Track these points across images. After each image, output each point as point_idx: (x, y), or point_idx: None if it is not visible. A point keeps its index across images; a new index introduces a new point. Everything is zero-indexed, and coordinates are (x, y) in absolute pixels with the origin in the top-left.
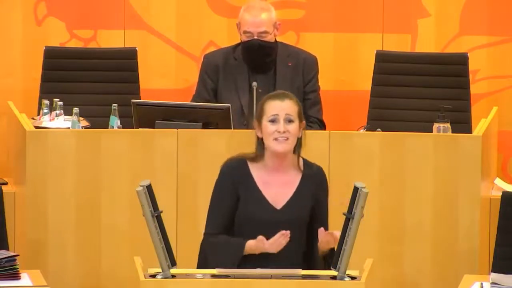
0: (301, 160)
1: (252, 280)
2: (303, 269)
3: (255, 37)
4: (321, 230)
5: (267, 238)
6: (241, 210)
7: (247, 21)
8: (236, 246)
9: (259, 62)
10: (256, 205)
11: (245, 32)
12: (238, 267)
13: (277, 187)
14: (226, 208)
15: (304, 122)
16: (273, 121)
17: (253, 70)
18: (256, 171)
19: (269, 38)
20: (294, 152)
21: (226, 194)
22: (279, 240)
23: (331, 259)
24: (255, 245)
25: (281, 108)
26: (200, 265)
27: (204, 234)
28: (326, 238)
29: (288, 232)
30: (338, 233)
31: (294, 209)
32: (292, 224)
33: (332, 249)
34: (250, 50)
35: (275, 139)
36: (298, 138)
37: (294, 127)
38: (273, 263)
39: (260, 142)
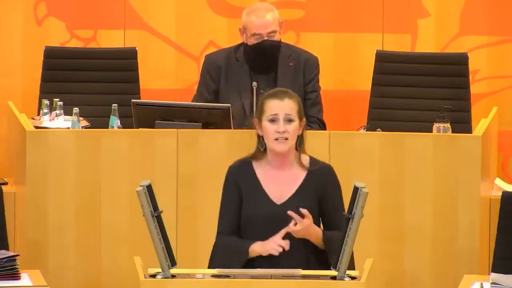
0: (306, 157)
1: (252, 280)
2: (314, 268)
3: (265, 38)
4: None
5: (268, 235)
6: (243, 208)
7: (255, 24)
8: (240, 251)
9: (270, 61)
10: (256, 201)
11: (253, 34)
12: (245, 267)
13: (281, 183)
14: (234, 208)
15: (304, 119)
16: (272, 120)
17: (255, 71)
18: (260, 169)
19: (277, 37)
20: (296, 149)
21: (232, 194)
22: (277, 244)
23: (331, 255)
24: (259, 247)
25: (280, 108)
26: (210, 265)
27: (217, 233)
28: (295, 226)
29: (288, 242)
30: (303, 211)
31: (295, 205)
32: (292, 220)
33: (329, 245)
34: (262, 51)
35: (275, 139)
36: (298, 135)
37: (293, 126)
38: (281, 262)
39: (261, 140)
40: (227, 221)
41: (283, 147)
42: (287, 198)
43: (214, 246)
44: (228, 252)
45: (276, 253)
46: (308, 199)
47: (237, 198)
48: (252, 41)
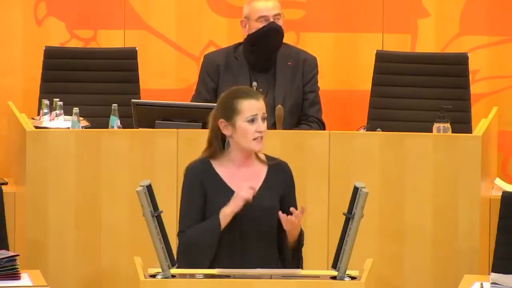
0: (261, 154)
1: (252, 280)
2: (277, 265)
3: (272, 20)
4: (280, 213)
5: (240, 231)
6: (210, 208)
7: (260, 8)
8: (210, 222)
9: (274, 46)
10: (224, 199)
11: (260, 17)
12: (211, 266)
13: (245, 180)
14: (197, 207)
15: None
16: (252, 121)
17: (254, 69)
18: (221, 167)
19: (281, 23)
20: None
21: (195, 193)
22: (247, 188)
23: (295, 256)
24: (229, 206)
25: (258, 108)
26: (182, 263)
27: (179, 232)
28: (288, 219)
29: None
30: (296, 210)
31: (264, 199)
32: (264, 213)
33: (297, 245)
34: (271, 32)
35: (255, 138)
36: None
37: (265, 124)
38: (248, 259)
39: (221, 140)
40: (192, 218)
41: (261, 146)
42: (255, 193)
43: (180, 244)
44: (200, 236)
45: (251, 196)
46: (274, 192)
47: (201, 197)
48: (257, 25)
